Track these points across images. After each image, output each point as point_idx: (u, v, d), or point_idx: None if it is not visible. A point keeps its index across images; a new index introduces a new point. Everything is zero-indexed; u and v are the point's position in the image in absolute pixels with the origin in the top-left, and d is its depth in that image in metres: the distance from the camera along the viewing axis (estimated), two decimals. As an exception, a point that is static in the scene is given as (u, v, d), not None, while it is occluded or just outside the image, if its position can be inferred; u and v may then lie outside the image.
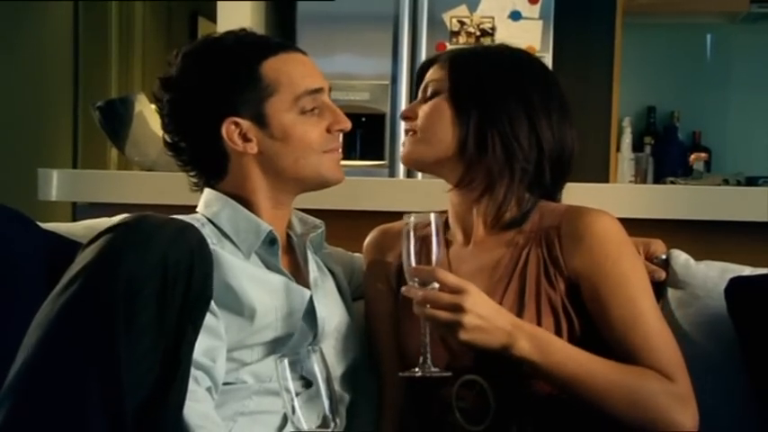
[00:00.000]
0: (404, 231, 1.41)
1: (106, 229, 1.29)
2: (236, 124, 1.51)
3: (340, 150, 1.58)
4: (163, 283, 1.23)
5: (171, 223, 1.31)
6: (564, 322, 1.46)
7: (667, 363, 1.42)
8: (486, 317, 1.36)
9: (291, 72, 1.53)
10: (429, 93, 1.57)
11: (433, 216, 1.41)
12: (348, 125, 1.57)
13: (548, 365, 1.39)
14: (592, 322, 1.47)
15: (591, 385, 1.39)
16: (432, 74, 1.58)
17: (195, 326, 1.30)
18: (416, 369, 1.40)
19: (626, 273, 1.47)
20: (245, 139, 1.52)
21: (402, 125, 1.65)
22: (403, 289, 1.41)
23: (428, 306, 1.36)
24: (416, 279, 1.39)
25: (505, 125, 1.50)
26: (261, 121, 1.51)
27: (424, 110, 1.56)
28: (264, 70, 1.52)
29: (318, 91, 1.54)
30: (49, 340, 1.21)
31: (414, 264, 1.40)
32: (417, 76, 1.65)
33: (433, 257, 1.40)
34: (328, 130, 1.55)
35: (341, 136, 1.58)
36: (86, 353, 1.20)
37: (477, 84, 1.53)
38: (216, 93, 1.52)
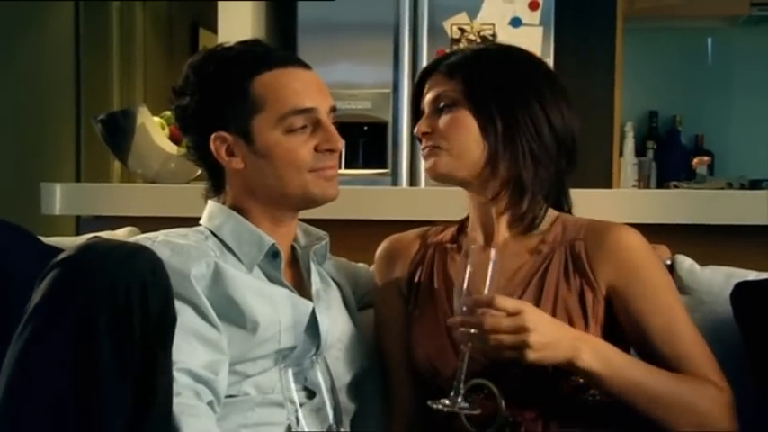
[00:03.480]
0: (463, 264, 1.37)
1: (55, 263, 1.26)
2: (223, 139, 1.51)
3: (335, 168, 1.54)
4: (115, 315, 1.20)
5: (119, 250, 1.27)
6: (579, 329, 1.46)
7: (711, 372, 1.45)
8: (549, 333, 1.35)
9: (283, 89, 1.50)
10: (442, 105, 1.53)
11: (493, 251, 1.37)
12: (338, 145, 1.52)
13: (610, 375, 1.38)
14: (613, 333, 1.48)
15: (650, 393, 1.40)
16: (440, 85, 1.55)
17: (165, 349, 1.26)
18: (447, 401, 1.37)
19: (659, 283, 1.49)
20: (231, 154, 1.51)
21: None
22: (450, 321, 1.38)
23: (490, 335, 1.33)
24: (465, 308, 1.36)
25: (531, 131, 1.49)
26: (247, 137, 1.50)
27: (445, 123, 1.52)
28: (255, 86, 1.50)
29: (308, 111, 1.51)
30: (10, 390, 1.19)
31: (465, 294, 1.36)
32: (417, 87, 1.61)
33: (486, 285, 1.36)
34: (316, 149, 1.51)
35: (335, 155, 1.54)
36: (40, 402, 1.18)
37: (497, 92, 1.51)
38: (207, 106, 1.52)
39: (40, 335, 1.20)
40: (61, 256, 1.27)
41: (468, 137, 1.51)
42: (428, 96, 1.56)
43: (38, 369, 1.19)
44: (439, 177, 1.55)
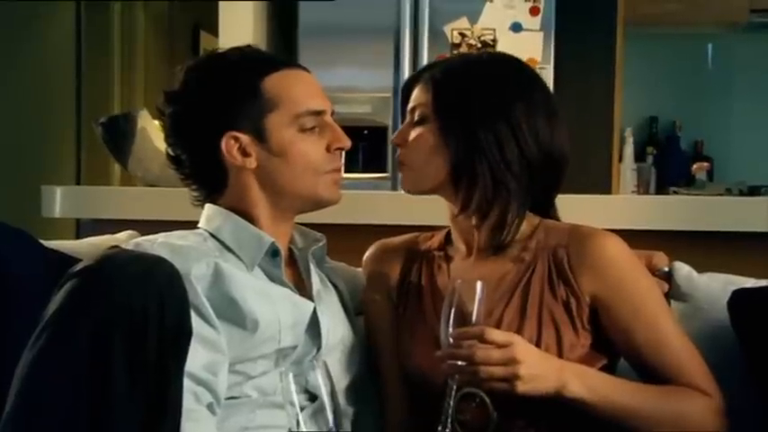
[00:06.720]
0: (449, 297, 1.38)
1: (73, 273, 1.26)
2: (236, 139, 1.51)
3: (341, 170, 1.57)
4: (131, 329, 1.20)
5: (136, 263, 1.28)
6: (566, 336, 1.46)
7: (701, 378, 1.45)
8: (538, 364, 1.37)
9: (294, 89, 1.53)
10: (417, 117, 1.54)
11: (479, 284, 1.38)
12: (348, 144, 1.55)
13: (597, 401, 1.40)
14: (601, 341, 1.49)
15: (639, 413, 1.41)
16: (418, 96, 1.55)
17: (179, 360, 1.27)
18: None
19: (643, 295, 1.49)
20: (244, 153, 1.52)
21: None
22: (438, 354, 1.38)
23: (480, 368, 1.34)
24: (452, 340, 1.36)
25: (494, 151, 1.48)
26: (260, 136, 1.51)
27: (412, 138, 1.54)
28: (266, 85, 1.52)
29: (320, 113, 1.54)
30: (21, 401, 1.20)
31: (452, 326, 1.37)
32: (403, 95, 1.61)
33: (473, 317, 1.37)
34: (328, 149, 1.54)
35: (342, 155, 1.57)
36: (52, 413, 1.18)
37: (460, 112, 1.50)
38: (216, 106, 1.52)
39: (55, 346, 1.20)
40: (79, 266, 1.27)
41: (428, 152, 1.52)
42: (408, 106, 1.58)
43: (51, 380, 1.19)
44: (410, 192, 1.59)
